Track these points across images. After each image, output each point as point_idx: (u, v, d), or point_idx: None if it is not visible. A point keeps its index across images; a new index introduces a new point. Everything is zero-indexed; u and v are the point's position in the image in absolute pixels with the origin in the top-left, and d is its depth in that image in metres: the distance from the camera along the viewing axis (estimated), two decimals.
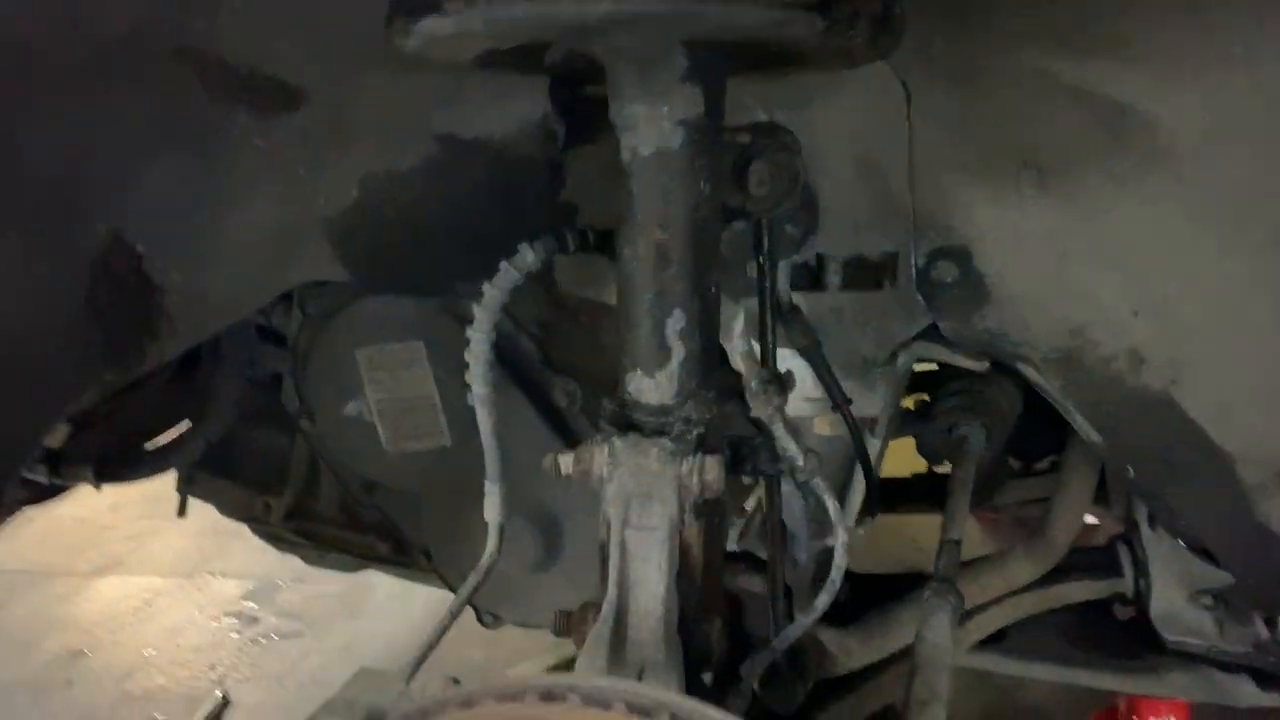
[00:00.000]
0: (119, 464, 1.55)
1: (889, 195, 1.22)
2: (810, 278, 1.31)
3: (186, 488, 1.67)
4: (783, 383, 1.06)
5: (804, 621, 1.09)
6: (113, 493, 3.95)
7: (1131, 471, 1.28)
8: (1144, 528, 1.47)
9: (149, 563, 3.62)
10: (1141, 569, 1.46)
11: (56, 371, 1.32)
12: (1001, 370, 1.42)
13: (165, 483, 4.05)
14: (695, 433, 1.01)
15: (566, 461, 1.04)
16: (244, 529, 3.78)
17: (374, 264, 1.35)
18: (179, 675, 2.93)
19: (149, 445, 1.61)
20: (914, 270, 1.25)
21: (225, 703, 2.74)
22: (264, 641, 3.06)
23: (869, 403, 1.31)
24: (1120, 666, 1.46)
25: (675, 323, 1.00)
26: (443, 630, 1.20)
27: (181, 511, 1.73)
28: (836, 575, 1.07)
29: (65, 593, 3.40)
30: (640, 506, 0.99)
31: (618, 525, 1.00)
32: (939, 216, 1.22)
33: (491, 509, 1.20)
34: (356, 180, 1.28)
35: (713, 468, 1.00)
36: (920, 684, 1.08)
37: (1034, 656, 1.49)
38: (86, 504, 3.87)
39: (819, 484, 1.06)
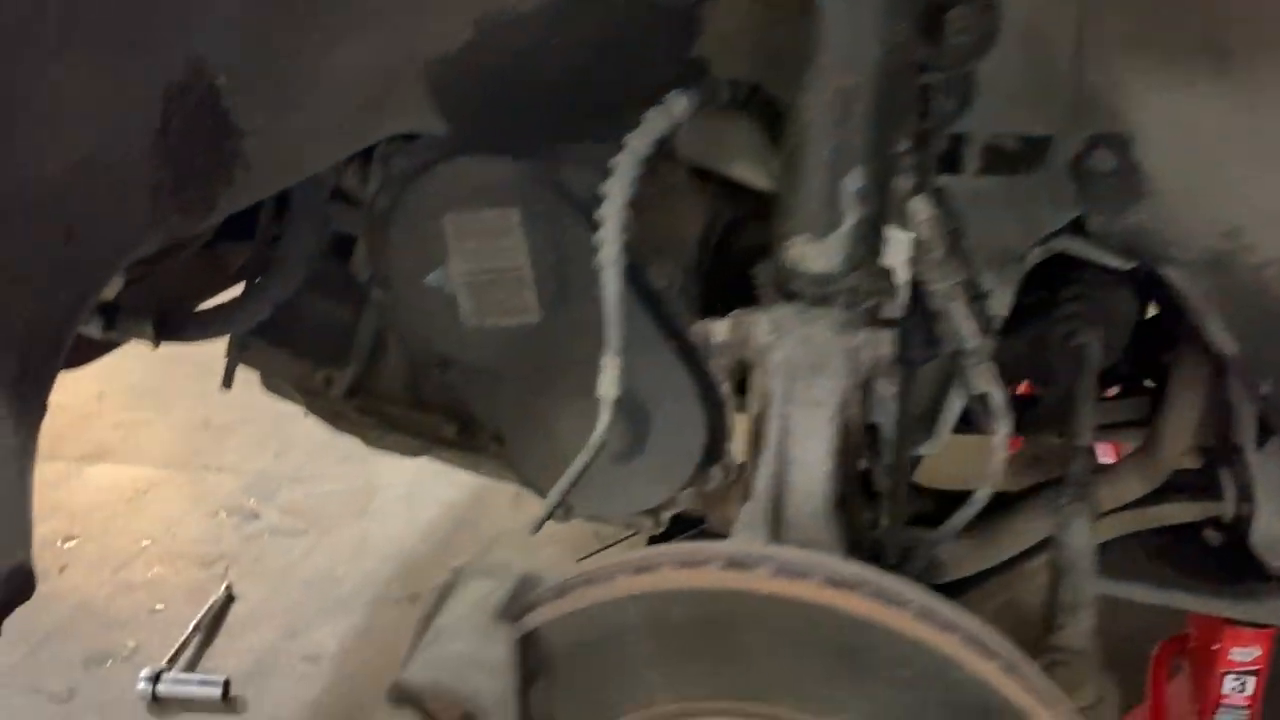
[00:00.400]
0: (180, 321, 1.43)
1: (1053, 72, 1.13)
2: (944, 158, 1.22)
3: (239, 355, 1.56)
4: (965, 257, 0.98)
5: (964, 514, 1.03)
6: (98, 381, 3.84)
7: (1267, 385, 1.23)
8: (1249, 449, 1.41)
9: (139, 453, 3.51)
10: (1245, 492, 1.41)
11: (120, 212, 1.21)
12: (1123, 276, 1.36)
13: (150, 375, 3.93)
14: (867, 305, 0.93)
15: (719, 329, 0.96)
16: (237, 424, 3.69)
17: (477, 117, 1.24)
18: (178, 567, 2.84)
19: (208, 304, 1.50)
20: (1068, 156, 1.17)
21: (230, 598, 2.66)
22: (266, 538, 2.98)
23: (1000, 300, 1.23)
24: (1218, 590, 1.42)
25: (853, 182, 0.92)
26: (550, 511, 1.13)
27: (227, 382, 1.62)
28: (995, 472, 1.00)
29: (54, 479, 3.28)
30: (806, 380, 0.91)
31: (779, 399, 0.92)
32: (1104, 99, 1.13)
33: (608, 383, 1.11)
34: (471, 20, 1.16)
35: (885, 344, 0.92)
36: (1067, 589, 1.03)
37: (1127, 577, 1.45)
38: (71, 391, 3.75)
39: (987, 370, 0.99)
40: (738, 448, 1.48)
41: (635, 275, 1.37)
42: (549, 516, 1.12)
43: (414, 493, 3.19)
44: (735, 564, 0.75)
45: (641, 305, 1.37)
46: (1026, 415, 1.69)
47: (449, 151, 1.32)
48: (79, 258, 1.18)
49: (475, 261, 1.35)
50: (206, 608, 2.55)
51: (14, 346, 1.12)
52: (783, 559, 0.74)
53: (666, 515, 1.49)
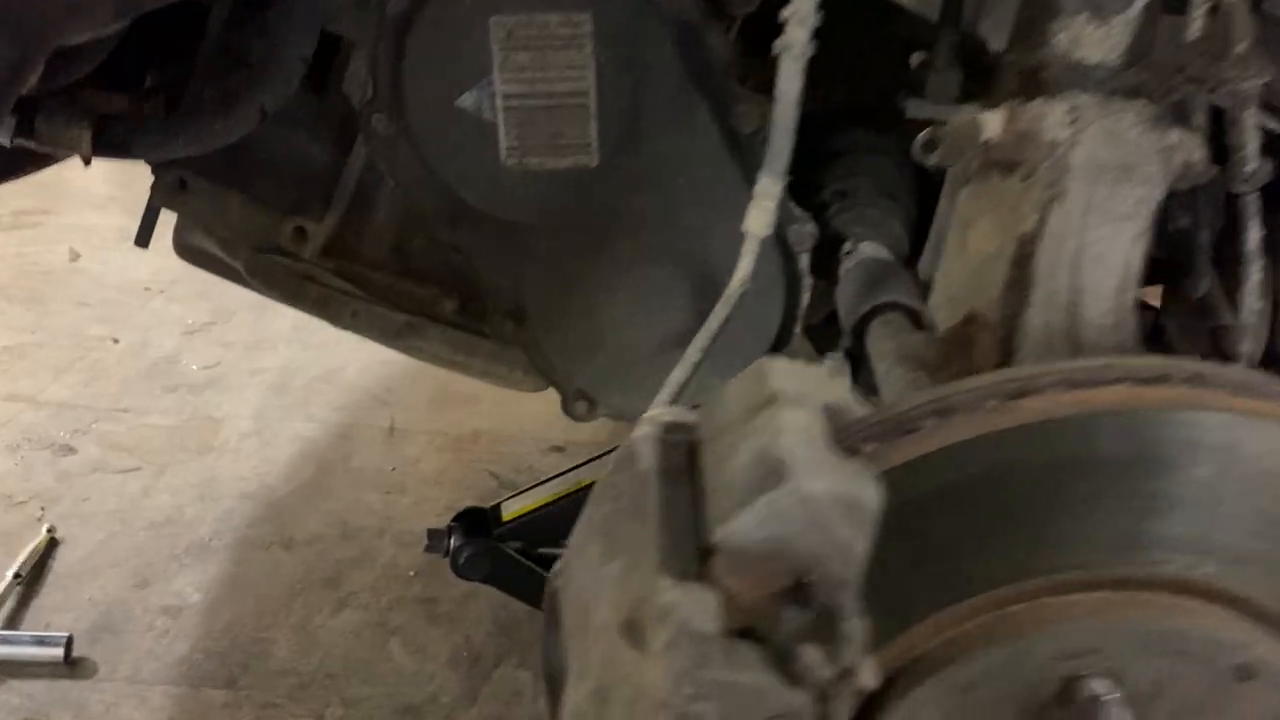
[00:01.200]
0: (126, 130, 1.06)
1: None
2: None
3: (172, 198, 1.19)
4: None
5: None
6: None
7: None
8: None
9: None
10: None
11: None
12: None
13: None
14: (1175, 100, 0.76)
15: (993, 121, 0.76)
16: (28, 348, 3.13)
17: None
18: None
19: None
20: None
21: (54, 541, 2.20)
22: (90, 475, 2.50)
23: None
24: None
25: None
26: (684, 383, 0.89)
27: (143, 239, 1.25)
28: (1253, 324, 0.85)
29: None
30: (1113, 186, 0.73)
31: (1079, 206, 0.73)
32: None
33: (760, 216, 0.88)
34: None
35: (1198, 147, 0.75)
36: None
37: None
38: None
39: (1252, 202, 0.84)
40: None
41: (719, 114, 1.14)
42: (683, 389, 0.88)
43: (264, 428, 2.78)
44: (1196, 380, 0.56)
45: (726, 149, 1.14)
46: None
47: None
48: (23, 8, 0.84)
49: (527, 81, 1.08)
50: (26, 554, 2.09)
51: None
52: (1236, 379, 0.56)
53: None
